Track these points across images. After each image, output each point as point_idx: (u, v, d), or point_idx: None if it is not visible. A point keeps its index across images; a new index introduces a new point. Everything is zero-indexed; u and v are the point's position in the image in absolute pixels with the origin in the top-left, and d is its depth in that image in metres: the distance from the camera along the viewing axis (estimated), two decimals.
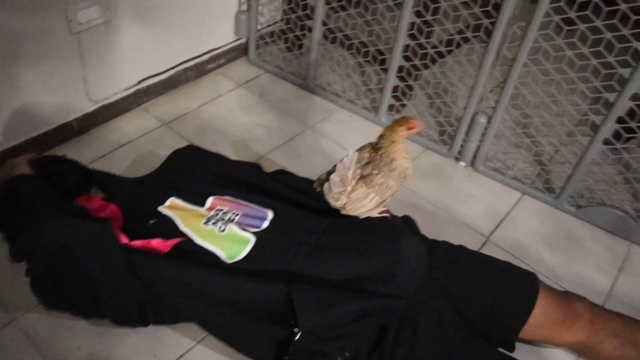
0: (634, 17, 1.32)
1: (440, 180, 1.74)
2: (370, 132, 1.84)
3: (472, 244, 1.54)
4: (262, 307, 1.10)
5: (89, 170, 1.38)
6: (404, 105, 1.88)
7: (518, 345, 1.24)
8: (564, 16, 1.40)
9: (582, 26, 1.40)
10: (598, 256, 1.58)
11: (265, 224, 1.19)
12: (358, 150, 1.24)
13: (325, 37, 1.87)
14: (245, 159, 1.67)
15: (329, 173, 1.19)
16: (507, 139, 1.81)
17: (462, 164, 1.79)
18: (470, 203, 1.68)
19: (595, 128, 1.50)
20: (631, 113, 1.47)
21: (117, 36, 1.63)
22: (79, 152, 1.64)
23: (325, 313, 1.07)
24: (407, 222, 1.33)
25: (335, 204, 1.19)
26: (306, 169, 1.65)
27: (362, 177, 1.20)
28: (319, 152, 1.75)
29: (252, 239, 1.15)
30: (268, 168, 1.59)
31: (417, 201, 1.65)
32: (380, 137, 1.24)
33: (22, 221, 1.10)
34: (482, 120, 1.66)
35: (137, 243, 1.13)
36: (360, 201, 1.19)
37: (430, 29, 1.64)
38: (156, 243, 1.13)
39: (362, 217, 1.23)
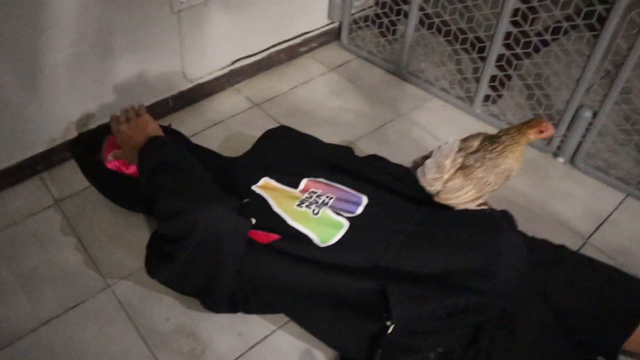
0: None
1: (536, 175, 1.64)
2: (464, 122, 1.77)
3: (570, 246, 1.44)
4: (354, 299, 1.07)
5: (192, 144, 1.40)
6: (500, 96, 1.79)
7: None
8: None
9: None
10: None
11: (360, 210, 1.15)
12: (463, 139, 1.17)
13: (421, 22, 1.81)
14: (335, 143, 1.65)
15: (425, 157, 1.14)
16: (612, 136, 1.68)
17: (561, 160, 1.68)
18: (568, 202, 1.57)
19: None
20: None
21: (214, 16, 1.64)
22: (171, 123, 1.67)
23: (420, 307, 1.02)
24: (506, 217, 1.26)
25: (430, 189, 1.15)
26: (396, 157, 1.60)
27: (462, 168, 1.14)
28: (410, 140, 1.70)
29: (346, 224, 1.12)
30: (359, 153, 1.56)
31: (511, 196, 1.57)
32: (504, 132, 1.16)
33: (188, 199, 1.08)
34: (587, 114, 1.55)
35: (252, 233, 1.12)
36: (455, 192, 1.14)
37: (536, 15, 1.54)
38: (257, 235, 1.12)
39: (457, 207, 1.17)
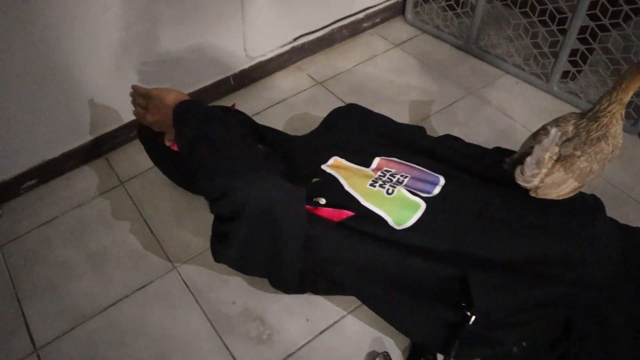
0: None
1: (622, 160, 1.52)
2: (539, 101, 1.66)
3: None
4: (432, 285, 1.00)
5: (257, 125, 1.36)
6: (580, 72, 1.66)
7: None
8: None
9: None
10: None
11: (437, 190, 1.08)
12: (559, 124, 1.05)
13: None
14: (403, 122, 1.57)
15: (524, 155, 1.03)
16: None
17: None
18: None
19: None
20: None
21: None
22: (235, 102, 1.64)
23: (504, 297, 0.95)
24: (596, 202, 1.16)
25: (526, 185, 1.04)
26: (468, 137, 1.51)
27: (561, 159, 1.01)
28: (482, 120, 1.60)
29: (423, 205, 1.05)
30: (428, 132, 1.48)
31: (595, 181, 1.45)
32: (599, 107, 1.02)
33: (233, 175, 1.00)
34: None
35: (321, 211, 1.06)
36: (556, 187, 1.02)
37: None
38: (327, 212, 1.06)
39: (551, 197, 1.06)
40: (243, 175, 0.99)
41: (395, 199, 1.06)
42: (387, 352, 1.09)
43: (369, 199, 1.07)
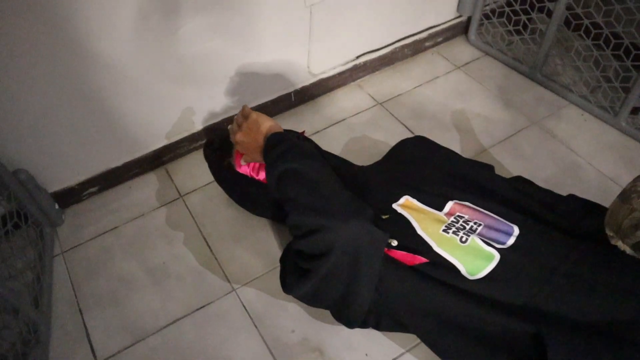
0: None
1: None
2: (606, 136, 1.62)
3: None
4: (502, 339, 0.99)
5: (325, 154, 1.35)
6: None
7: None
8: None
9: None
10: None
11: (511, 241, 1.06)
12: None
13: (566, 22, 1.65)
14: (465, 152, 1.55)
15: (633, 226, 0.99)
16: None
17: None
18: None
19: None
20: None
21: (344, 10, 1.56)
22: (295, 124, 1.64)
23: (579, 356, 0.93)
24: None
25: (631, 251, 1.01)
26: (532, 172, 1.49)
27: None
28: (546, 153, 1.57)
29: (497, 256, 1.03)
30: (497, 171, 1.46)
31: None
32: None
33: (327, 216, 1.02)
34: None
35: (394, 252, 1.06)
36: None
37: None
38: (400, 255, 1.05)
39: None
40: (336, 215, 1.01)
41: (469, 247, 1.04)
42: None
43: (442, 245, 1.05)
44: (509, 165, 1.53)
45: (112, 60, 1.24)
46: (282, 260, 1.18)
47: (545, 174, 1.50)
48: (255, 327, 1.23)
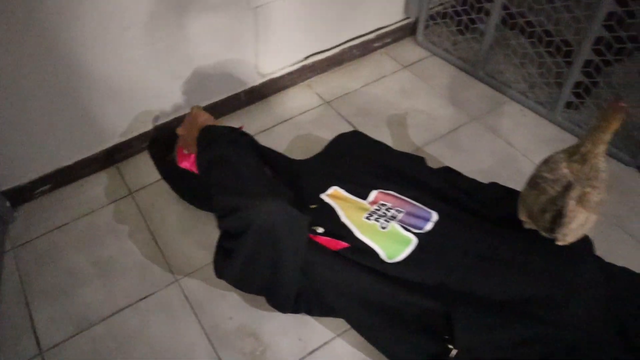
0: None
1: (617, 191, 1.54)
2: (542, 129, 1.69)
3: None
4: (417, 316, 1.05)
5: (262, 147, 1.42)
6: (583, 103, 1.69)
7: None
8: None
9: None
10: None
11: (429, 226, 1.13)
12: (549, 172, 1.08)
13: (503, 22, 1.72)
14: (405, 147, 1.61)
15: (541, 210, 1.06)
16: None
17: None
18: None
19: None
20: None
21: (290, 12, 1.63)
22: (245, 123, 1.69)
23: (486, 335, 0.99)
24: (586, 243, 1.19)
25: (565, 240, 1.07)
26: (470, 164, 1.55)
27: (579, 202, 1.05)
28: (485, 147, 1.63)
29: (414, 241, 1.09)
30: (430, 161, 1.52)
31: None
32: (586, 141, 1.07)
33: (244, 196, 1.09)
34: None
35: (319, 239, 1.12)
36: (581, 227, 1.06)
37: (632, 21, 1.43)
38: (325, 241, 1.11)
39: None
40: (253, 196, 1.08)
41: (389, 233, 1.10)
42: None
43: (364, 231, 1.11)
44: (448, 158, 1.59)
45: (61, 62, 1.29)
46: (216, 246, 1.23)
47: (483, 166, 1.57)
48: (195, 315, 1.28)
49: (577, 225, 1.03)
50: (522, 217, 1.10)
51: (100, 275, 1.35)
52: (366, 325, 1.12)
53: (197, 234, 1.43)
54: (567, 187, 1.02)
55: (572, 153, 1.07)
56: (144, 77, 1.47)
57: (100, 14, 1.29)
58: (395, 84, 1.84)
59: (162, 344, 1.23)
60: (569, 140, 1.66)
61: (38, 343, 1.24)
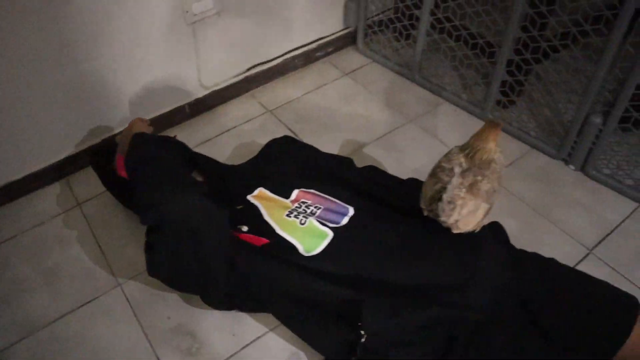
0: None
1: (544, 183, 1.63)
2: (475, 127, 1.75)
3: (572, 257, 1.44)
4: (335, 306, 1.12)
5: (194, 154, 1.49)
6: (512, 102, 1.78)
7: None
8: None
9: None
10: None
11: (345, 220, 1.20)
12: (449, 161, 1.17)
13: (433, 27, 1.81)
14: (344, 151, 1.69)
15: (434, 198, 1.14)
16: (628, 143, 1.64)
17: (572, 167, 1.66)
18: (575, 211, 1.55)
19: None
20: None
21: (228, 26, 1.71)
22: (189, 134, 1.77)
23: (392, 319, 1.06)
24: (494, 230, 1.27)
25: (448, 221, 1.14)
26: (405, 163, 1.63)
27: (469, 189, 1.13)
28: (420, 146, 1.71)
29: (330, 234, 1.16)
30: (366, 161, 1.60)
31: (516, 205, 1.56)
32: (475, 138, 1.18)
33: (162, 188, 1.16)
34: (597, 120, 1.53)
35: (244, 236, 1.18)
36: (472, 215, 1.13)
37: (544, 20, 1.52)
38: (249, 238, 1.18)
39: (475, 230, 1.17)
40: (170, 191, 1.14)
41: (307, 228, 1.17)
42: None
43: (284, 228, 1.18)
44: (385, 158, 1.67)
45: (8, 77, 1.36)
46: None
47: (417, 165, 1.65)
48: (135, 316, 1.34)
49: (467, 212, 1.10)
50: (422, 205, 1.18)
51: (46, 283, 1.41)
52: (289, 316, 1.18)
53: (140, 239, 1.48)
54: (457, 174, 1.10)
55: (466, 147, 1.16)
56: (88, 92, 1.54)
57: (46, 33, 1.36)
58: (336, 91, 1.93)
59: (104, 345, 1.29)
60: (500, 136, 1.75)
61: None
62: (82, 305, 1.36)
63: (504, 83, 1.70)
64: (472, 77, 1.87)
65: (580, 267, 1.41)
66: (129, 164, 1.23)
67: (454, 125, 1.78)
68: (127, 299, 1.37)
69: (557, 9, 1.51)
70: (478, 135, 1.15)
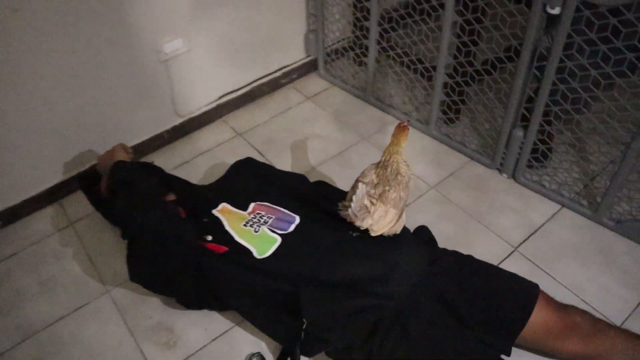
0: None
1: (480, 191, 1.85)
2: (421, 143, 2.00)
3: (499, 254, 1.65)
4: (283, 300, 1.34)
5: (169, 176, 1.72)
6: (452, 120, 2.01)
7: (524, 353, 1.38)
8: (585, 38, 1.46)
9: (603, 47, 1.45)
10: (631, 273, 1.60)
11: (292, 228, 1.42)
12: (362, 177, 1.40)
13: (383, 53, 2.05)
14: (303, 168, 1.92)
15: (347, 206, 1.37)
16: (554, 153, 1.87)
17: (505, 175, 1.89)
18: (505, 214, 1.78)
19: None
20: None
21: (198, 61, 1.95)
22: (167, 158, 2.00)
23: (325, 307, 1.29)
24: (420, 232, 1.50)
25: (362, 225, 1.36)
26: (356, 177, 1.85)
27: (378, 198, 1.35)
28: (370, 162, 1.93)
29: (279, 240, 1.39)
30: (322, 177, 1.83)
31: (454, 211, 1.79)
32: (385, 154, 1.41)
33: (137, 206, 1.41)
34: (519, 133, 1.76)
35: (209, 245, 1.42)
36: (382, 218, 1.35)
37: (468, 49, 1.76)
38: (212, 246, 1.41)
39: (389, 234, 1.39)
40: (142, 210, 1.40)
41: (260, 235, 1.40)
42: (260, 352, 1.43)
43: (241, 235, 1.41)
44: (338, 174, 1.90)
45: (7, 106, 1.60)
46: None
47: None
48: (122, 317, 1.56)
49: (378, 217, 1.33)
50: (342, 214, 1.41)
51: (43, 291, 1.63)
52: (247, 311, 1.41)
53: (124, 252, 1.71)
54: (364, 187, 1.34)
55: (379, 162, 1.39)
56: (76, 125, 1.78)
57: (33, 77, 1.60)
58: (299, 114, 2.16)
59: (95, 343, 1.50)
60: (442, 149, 1.99)
61: None
62: (76, 310, 1.58)
63: (442, 102, 1.94)
64: (421, 97, 2.11)
65: (505, 263, 1.64)
66: (110, 187, 1.46)
67: None
68: (114, 303, 1.59)
69: (476, 39, 1.74)
70: (391, 141, 1.39)
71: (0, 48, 1.51)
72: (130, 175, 1.53)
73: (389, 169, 1.36)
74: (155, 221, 1.37)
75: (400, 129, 1.38)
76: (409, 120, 1.52)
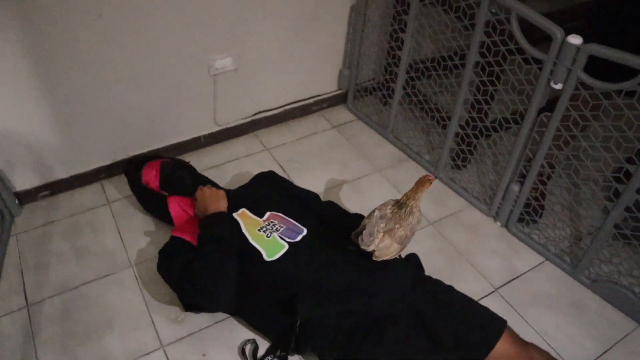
0: None
1: (474, 233, 2.05)
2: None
3: (479, 292, 1.83)
4: (283, 299, 1.53)
5: (200, 175, 1.95)
6: (459, 166, 2.22)
7: None
8: (579, 113, 1.67)
9: (595, 123, 1.65)
10: (598, 327, 1.76)
11: (299, 238, 1.64)
12: (379, 209, 1.59)
13: (406, 97, 2.27)
14: (319, 187, 2.14)
15: (362, 229, 1.58)
16: (548, 211, 2.05)
17: (498, 223, 2.08)
18: (492, 258, 1.96)
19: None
20: (637, 204, 1.67)
21: (242, 79, 2.20)
22: (201, 160, 2.24)
23: (317, 308, 1.49)
24: (410, 258, 1.70)
25: (367, 249, 1.55)
26: (364, 204, 2.07)
27: (387, 231, 1.55)
28: (378, 192, 2.16)
29: (286, 247, 1.60)
30: (333, 197, 2.04)
31: (446, 246, 1.98)
32: (406, 196, 1.59)
33: (212, 279, 1.53)
34: (516, 188, 1.95)
35: None
36: (386, 249, 1.55)
37: (481, 106, 1.98)
38: None
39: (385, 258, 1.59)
40: (218, 284, 1.54)
41: (271, 240, 1.62)
42: (254, 339, 1.63)
43: (255, 239, 1.62)
44: (349, 198, 2.11)
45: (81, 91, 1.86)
46: (160, 252, 1.69)
47: (372, 206, 2.06)
48: (140, 290, 1.78)
49: (383, 246, 1.53)
50: (352, 234, 1.62)
51: (77, 257, 1.86)
52: (247, 309, 1.62)
53: (152, 235, 1.94)
54: (377, 217, 1.55)
55: (398, 201, 1.59)
56: (127, 119, 2.03)
57: (102, 70, 1.86)
58: (323, 139, 2.39)
59: (114, 307, 1.72)
60: (446, 191, 2.19)
61: (26, 299, 1.74)
62: (103, 277, 1.81)
63: (452, 150, 2.15)
64: (435, 142, 2.33)
65: (484, 301, 1.81)
66: (204, 232, 1.63)
67: (411, 179, 2.16)
68: (136, 277, 1.82)
69: (489, 99, 1.96)
70: (414, 187, 1.58)
71: (87, 44, 1.78)
72: (222, 232, 1.62)
73: (403, 210, 1.56)
74: (217, 301, 1.59)
75: (425, 180, 1.58)
76: (436, 177, 1.68)
